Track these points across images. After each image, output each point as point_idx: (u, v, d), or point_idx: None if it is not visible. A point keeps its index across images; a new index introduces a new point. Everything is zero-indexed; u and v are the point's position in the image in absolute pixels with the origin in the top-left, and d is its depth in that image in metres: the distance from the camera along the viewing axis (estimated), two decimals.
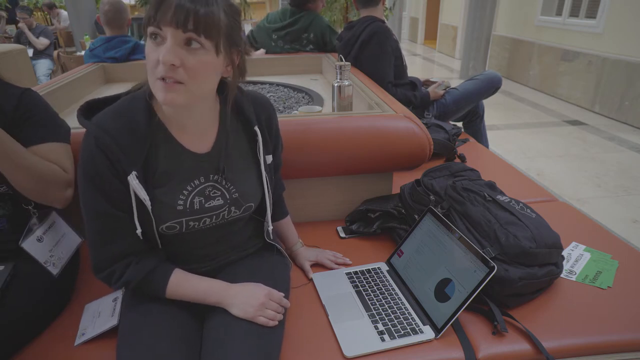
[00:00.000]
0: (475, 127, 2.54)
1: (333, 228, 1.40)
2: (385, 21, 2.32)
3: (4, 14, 6.59)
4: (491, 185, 1.27)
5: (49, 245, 1.02)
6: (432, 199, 1.21)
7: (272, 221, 1.05)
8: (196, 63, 0.73)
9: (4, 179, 0.97)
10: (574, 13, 4.87)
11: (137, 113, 0.81)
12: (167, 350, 0.78)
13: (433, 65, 7.68)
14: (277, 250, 1.07)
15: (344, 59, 1.69)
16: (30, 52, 5.13)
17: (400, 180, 1.40)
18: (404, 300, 1.04)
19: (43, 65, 5.31)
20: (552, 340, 0.92)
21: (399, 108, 1.47)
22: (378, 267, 1.16)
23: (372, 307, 1.02)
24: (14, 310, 0.91)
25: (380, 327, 0.96)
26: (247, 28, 4.99)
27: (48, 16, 8.35)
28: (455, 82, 2.97)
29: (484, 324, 0.98)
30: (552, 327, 0.96)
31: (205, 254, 0.97)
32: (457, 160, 1.92)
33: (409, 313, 0.99)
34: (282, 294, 0.92)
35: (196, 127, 0.87)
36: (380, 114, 1.40)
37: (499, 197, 1.16)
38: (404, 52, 2.33)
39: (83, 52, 4.10)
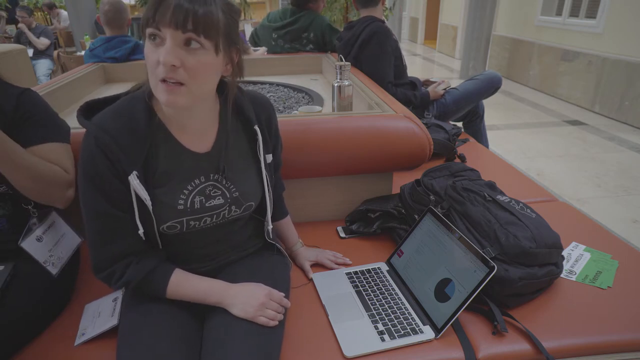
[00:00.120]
0: (475, 127, 2.54)
1: (333, 228, 1.40)
2: (385, 21, 2.32)
3: (4, 14, 6.59)
4: (491, 185, 1.27)
5: (49, 245, 1.02)
6: (432, 199, 1.21)
7: (272, 221, 1.05)
8: (196, 63, 0.73)
9: (4, 179, 0.97)
10: (574, 13, 4.87)
11: (137, 113, 0.81)
12: (167, 350, 0.78)
13: (433, 65, 7.68)
14: (277, 250, 1.07)
15: (344, 59, 1.69)
16: (31, 52, 5.13)
17: (400, 180, 1.40)
18: (404, 300, 1.04)
19: (43, 65, 5.31)
20: (552, 340, 0.92)
21: (399, 108, 1.47)
22: (378, 267, 1.16)
23: (372, 307, 1.02)
24: (14, 310, 0.91)
25: (380, 327, 0.96)
26: (247, 28, 4.98)
27: (48, 16, 8.35)
28: (455, 82, 2.98)
29: (484, 324, 0.98)
30: (552, 327, 0.96)
31: (206, 254, 0.97)
32: (457, 160, 1.92)
33: (409, 313, 0.99)
34: (283, 294, 0.92)
35: (196, 127, 0.87)
36: (380, 114, 1.40)
37: (499, 197, 1.16)
38: (404, 52, 2.34)
39: (83, 52, 4.10)
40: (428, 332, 0.94)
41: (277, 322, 0.86)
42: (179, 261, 0.93)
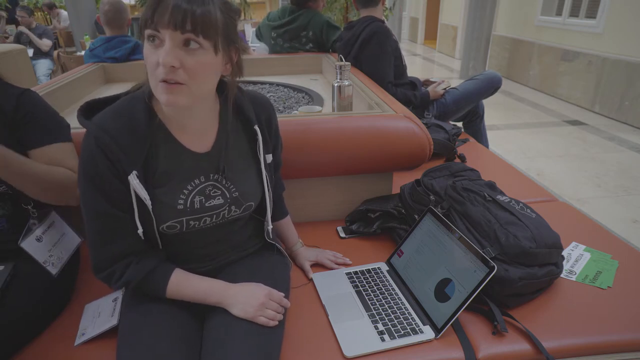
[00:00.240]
0: (475, 127, 2.54)
1: (333, 228, 1.40)
2: (385, 21, 2.32)
3: (4, 14, 6.59)
4: (491, 185, 1.27)
5: (48, 245, 1.02)
6: (432, 199, 1.21)
7: (272, 221, 1.05)
8: (195, 63, 0.73)
9: None
10: (574, 13, 4.87)
11: (137, 113, 0.81)
12: (167, 350, 0.78)
13: (433, 65, 7.68)
14: (277, 250, 1.07)
15: (344, 59, 1.69)
16: (31, 52, 5.13)
17: (400, 180, 1.40)
18: (404, 300, 1.04)
19: (43, 65, 5.31)
20: (552, 340, 0.92)
21: (399, 108, 1.47)
22: (378, 267, 1.16)
23: (372, 307, 1.02)
24: (14, 310, 0.91)
25: (380, 327, 0.96)
26: (247, 28, 4.98)
27: (48, 16, 8.35)
28: (455, 82, 2.97)
29: (484, 324, 0.98)
30: (552, 327, 0.96)
31: (206, 254, 0.97)
32: (457, 160, 1.92)
33: (409, 313, 0.99)
34: (282, 294, 0.92)
35: (196, 127, 0.87)
36: (380, 114, 1.40)
37: (499, 197, 1.16)
38: (403, 52, 2.34)
39: (83, 52, 4.10)
40: (428, 332, 0.94)
41: (277, 322, 0.86)
42: (178, 261, 0.93)
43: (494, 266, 0.91)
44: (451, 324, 0.94)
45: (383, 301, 1.03)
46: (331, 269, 1.18)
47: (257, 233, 1.06)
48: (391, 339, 0.92)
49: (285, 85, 2.34)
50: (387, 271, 1.15)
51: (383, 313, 1.00)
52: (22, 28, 5.29)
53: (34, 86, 1.75)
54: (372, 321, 0.97)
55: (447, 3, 8.46)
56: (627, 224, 2.33)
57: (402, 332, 0.94)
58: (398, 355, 0.90)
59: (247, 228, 1.03)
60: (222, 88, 0.90)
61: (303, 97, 2.12)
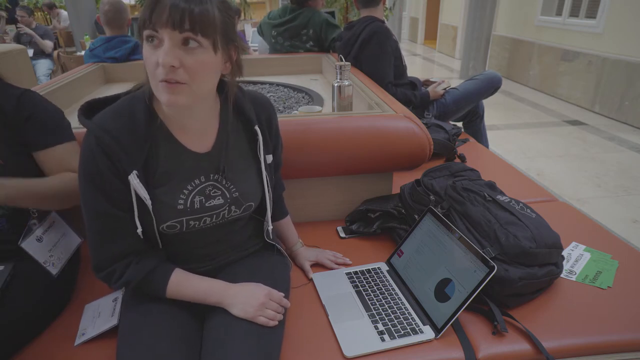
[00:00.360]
0: (475, 127, 2.54)
1: (333, 228, 1.40)
2: (385, 21, 2.32)
3: (4, 14, 6.59)
4: (491, 185, 1.27)
5: (49, 245, 1.02)
6: (432, 199, 1.21)
7: (272, 221, 1.05)
8: (195, 62, 0.73)
9: None
10: (574, 13, 4.87)
11: (138, 113, 0.81)
12: (167, 350, 0.78)
13: (433, 65, 7.68)
14: (277, 250, 1.07)
15: (344, 59, 1.69)
16: (31, 52, 5.13)
17: (400, 180, 1.40)
18: (404, 300, 1.04)
19: (43, 65, 5.30)
20: (552, 340, 0.92)
21: (399, 108, 1.47)
22: (378, 267, 1.16)
23: (372, 307, 1.02)
24: (14, 310, 0.91)
25: (380, 327, 0.96)
26: (248, 28, 4.98)
27: (48, 16, 8.35)
28: (455, 82, 2.97)
29: (484, 324, 0.98)
30: (552, 327, 0.96)
31: (206, 254, 0.97)
32: (457, 160, 1.92)
33: (409, 313, 0.99)
34: (282, 294, 0.92)
35: (197, 127, 0.87)
36: (380, 114, 1.40)
37: (499, 197, 1.16)
38: (403, 52, 2.34)
39: (83, 52, 4.10)
40: (428, 332, 0.94)
41: (276, 322, 0.86)
42: (179, 261, 0.93)
43: (494, 266, 0.91)
44: (451, 324, 0.94)
45: (383, 301, 1.03)
46: (331, 269, 1.18)
47: (257, 233, 1.06)
48: (391, 339, 0.92)
49: (285, 85, 2.34)
50: (387, 271, 1.15)
51: (383, 313, 1.00)
52: (25, 29, 5.28)
53: (34, 86, 1.75)
54: (372, 321, 0.97)
55: (447, 3, 8.46)
56: (627, 224, 2.33)
57: (402, 332, 0.94)
58: (398, 355, 0.90)
59: (247, 228, 1.03)
60: (222, 88, 0.90)
61: (303, 97, 2.12)
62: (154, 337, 0.80)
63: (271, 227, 1.04)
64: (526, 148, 3.46)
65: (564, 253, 1.19)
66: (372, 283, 1.10)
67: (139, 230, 0.83)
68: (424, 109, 2.32)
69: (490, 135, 2.73)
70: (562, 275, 1.12)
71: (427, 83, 2.45)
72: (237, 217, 0.95)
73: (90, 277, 1.14)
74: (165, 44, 0.71)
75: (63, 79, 1.90)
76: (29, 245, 0.98)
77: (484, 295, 1.00)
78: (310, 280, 1.14)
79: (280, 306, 0.90)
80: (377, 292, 1.07)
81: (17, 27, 5.39)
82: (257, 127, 0.93)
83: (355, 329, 0.96)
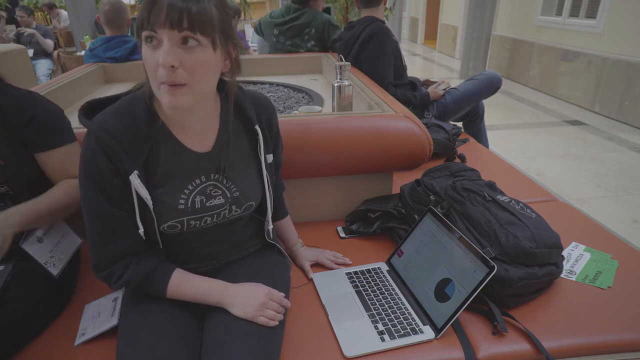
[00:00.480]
0: (475, 127, 2.54)
1: (333, 228, 1.40)
2: (385, 21, 2.32)
3: (4, 14, 6.59)
4: (491, 185, 1.27)
5: (50, 246, 1.02)
6: (432, 199, 1.21)
7: (272, 221, 1.05)
8: (195, 61, 0.73)
9: (5, 179, 0.97)
10: (574, 13, 4.87)
11: (138, 113, 0.81)
12: (167, 350, 0.78)
13: (433, 65, 7.68)
14: (277, 250, 1.07)
15: (344, 59, 1.69)
16: (31, 52, 5.12)
17: (400, 180, 1.40)
18: (404, 300, 1.04)
19: (43, 65, 5.30)
20: (552, 340, 0.92)
21: (399, 108, 1.47)
22: (378, 267, 1.16)
23: (372, 307, 1.02)
24: (14, 310, 0.91)
25: (380, 327, 0.96)
26: (248, 28, 4.97)
27: (48, 16, 8.35)
28: (455, 82, 2.98)
29: (484, 324, 0.98)
30: (552, 327, 0.96)
31: (206, 253, 0.97)
32: (457, 160, 1.92)
33: (409, 313, 0.99)
34: (283, 294, 0.92)
35: (197, 127, 0.87)
36: (380, 114, 1.40)
37: (499, 197, 1.16)
38: (403, 52, 2.34)
39: (83, 52, 4.10)
40: (428, 332, 0.94)
41: (277, 322, 0.86)
42: (179, 261, 0.93)
43: (494, 266, 0.91)
44: (451, 324, 0.94)
45: (383, 301, 1.03)
46: (331, 269, 1.18)
47: (257, 233, 1.06)
48: (391, 339, 0.93)
49: (285, 85, 2.34)
50: (387, 271, 1.15)
51: (383, 313, 1.00)
52: (28, 30, 5.28)
53: (34, 86, 1.75)
54: (372, 321, 0.97)
55: (447, 3, 8.46)
56: (627, 224, 2.33)
57: (402, 332, 0.94)
58: (398, 355, 0.90)
59: (247, 228, 1.03)
60: (222, 88, 0.90)
61: (303, 97, 2.12)
62: (154, 337, 0.80)
63: (271, 226, 1.04)
64: (526, 148, 3.46)
65: (564, 253, 1.19)
66: (372, 283, 1.10)
67: (141, 230, 0.83)
68: (424, 109, 2.32)
69: (490, 135, 2.73)
70: (562, 275, 1.12)
71: (427, 83, 2.45)
72: (237, 217, 0.95)
73: (90, 277, 1.14)
74: (165, 44, 0.71)
75: (63, 79, 1.90)
76: (30, 246, 0.98)
77: (484, 295, 1.00)
78: (310, 280, 1.14)
79: (281, 306, 0.90)
80: (377, 292, 1.07)
81: (17, 29, 5.40)
82: (257, 127, 0.93)
83: (355, 329, 0.96)
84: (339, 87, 1.57)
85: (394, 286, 1.09)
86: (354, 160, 1.33)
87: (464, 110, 2.43)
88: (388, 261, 1.19)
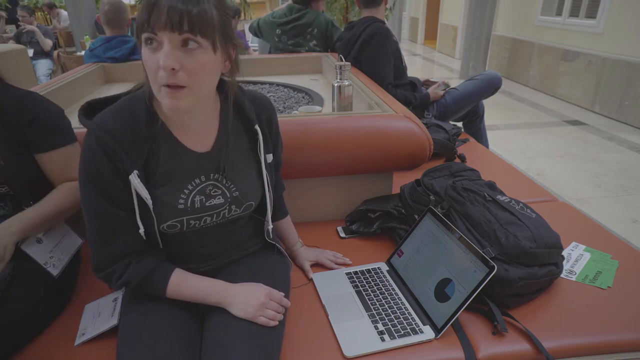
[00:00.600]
0: (475, 127, 2.54)
1: (333, 228, 1.40)
2: (385, 22, 2.32)
3: (3, 13, 6.59)
4: (491, 185, 1.27)
5: (49, 247, 1.02)
6: (432, 199, 1.21)
7: (272, 221, 1.05)
8: (195, 64, 0.73)
9: (5, 180, 0.97)
10: (574, 13, 4.87)
11: (138, 113, 0.81)
12: (167, 350, 0.78)
13: (433, 65, 7.68)
14: (277, 250, 1.07)
15: (344, 59, 1.69)
16: (31, 52, 5.12)
17: (400, 180, 1.40)
18: (404, 300, 1.04)
19: (43, 65, 5.30)
20: (552, 340, 0.92)
21: (399, 108, 1.47)
22: (378, 267, 1.16)
23: (372, 307, 1.02)
24: (14, 310, 0.91)
25: (380, 327, 0.96)
26: (247, 27, 4.97)
27: (48, 16, 8.35)
28: (455, 82, 2.98)
29: (484, 324, 0.98)
30: (552, 327, 0.96)
31: (206, 253, 0.97)
32: (457, 160, 1.92)
33: (409, 313, 0.99)
34: (282, 294, 0.92)
35: (197, 127, 0.87)
36: (380, 114, 1.40)
37: (499, 197, 1.16)
38: (403, 52, 2.34)
39: (83, 52, 4.10)
40: (428, 332, 0.94)
41: (277, 322, 0.86)
42: (179, 261, 0.93)
43: (494, 266, 0.91)
44: (451, 324, 0.94)
45: (383, 301, 1.03)
46: (331, 269, 1.18)
47: (257, 233, 1.06)
48: (391, 339, 0.92)
49: (285, 85, 2.34)
50: (387, 271, 1.15)
51: (383, 313, 1.00)
52: (28, 26, 5.28)
53: (34, 86, 1.75)
54: (372, 321, 0.97)
55: (447, 3, 8.46)
56: (627, 224, 2.33)
57: (402, 332, 0.94)
58: (398, 355, 0.90)
59: (247, 228, 1.03)
60: (221, 88, 0.90)
61: (303, 97, 2.12)
62: (154, 337, 0.80)
63: (271, 226, 1.04)
64: (526, 148, 3.46)
65: (564, 253, 1.19)
66: (372, 283, 1.10)
67: (141, 230, 0.83)
68: (424, 109, 2.32)
69: (490, 135, 2.73)
70: (562, 275, 1.12)
71: (427, 83, 2.45)
72: (237, 217, 0.95)
73: (90, 277, 1.14)
74: (165, 47, 0.71)
75: (63, 79, 1.90)
76: (29, 247, 0.98)
77: (484, 295, 1.00)
78: (310, 280, 1.14)
79: (281, 306, 0.90)
80: (377, 292, 1.07)
81: (17, 26, 5.40)
82: (257, 127, 0.93)
83: (355, 329, 0.96)
84: (339, 87, 1.57)
85: (394, 286, 1.09)
86: (354, 160, 1.33)
87: (464, 110, 2.43)
88: (388, 261, 1.19)
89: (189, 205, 0.86)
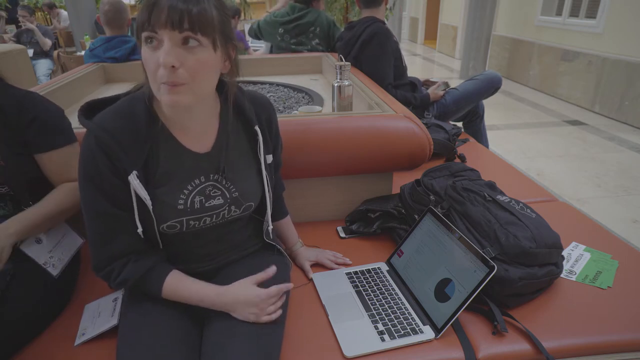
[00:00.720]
0: (475, 127, 2.54)
1: (333, 228, 1.40)
2: (385, 22, 2.32)
3: (3, 13, 6.59)
4: (491, 185, 1.27)
5: (49, 247, 1.02)
6: (432, 199, 1.21)
7: (272, 221, 1.05)
8: (195, 62, 0.73)
9: (5, 180, 0.97)
10: (574, 13, 4.87)
11: (138, 113, 0.81)
12: (167, 350, 0.78)
13: (433, 65, 7.68)
14: (277, 250, 1.07)
15: (344, 59, 1.69)
16: (31, 52, 5.13)
17: (400, 180, 1.40)
18: (404, 300, 1.04)
19: (43, 65, 5.30)
20: (552, 340, 0.92)
21: (399, 108, 1.47)
22: (378, 267, 1.16)
23: (372, 307, 1.02)
24: (14, 310, 0.91)
25: (380, 327, 0.96)
26: (247, 28, 4.97)
27: (48, 16, 8.35)
28: (455, 82, 2.98)
29: (484, 324, 0.98)
30: (552, 327, 0.96)
31: (206, 253, 0.97)
32: (457, 160, 1.92)
33: (409, 313, 0.99)
34: (276, 287, 0.89)
35: (197, 127, 0.87)
36: (380, 114, 1.40)
37: (499, 197, 1.16)
38: (403, 52, 2.34)
39: (83, 52, 4.10)
40: (428, 332, 0.94)
41: (279, 313, 0.87)
42: (179, 261, 0.93)
43: (494, 266, 0.91)
44: (451, 324, 0.94)
45: (383, 301, 1.03)
46: (331, 269, 1.18)
47: (257, 233, 1.06)
48: (391, 339, 0.92)
49: (285, 85, 2.34)
50: (387, 271, 1.15)
51: (383, 313, 1.00)
52: (28, 24, 5.28)
53: (34, 86, 1.75)
54: (372, 321, 0.97)
55: (447, 3, 8.46)
56: (627, 224, 2.33)
57: (402, 332, 0.94)
58: (398, 355, 0.90)
59: (247, 228, 1.03)
60: (221, 88, 0.90)
61: (303, 97, 2.12)
62: (154, 337, 0.80)
63: (271, 227, 1.04)
64: (526, 148, 3.46)
65: (564, 253, 1.19)
66: (372, 283, 1.10)
67: (139, 230, 0.83)
68: (424, 109, 2.32)
69: (490, 135, 2.73)
70: (562, 275, 1.12)
71: (427, 83, 2.45)
72: (237, 217, 0.95)
73: (90, 277, 1.14)
74: (165, 44, 0.71)
75: (63, 79, 1.90)
76: (28, 247, 0.98)
77: (484, 295, 1.00)
78: (310, 280, 1.14)
79: (278, 298, 0.89)
80: (377, 292, 1.07)
81: (17, 26, 5.40)
82: (257, 127, 0.93)
83: (355, 329, 0.96)
84: (339, 87, 1.57)
85: (394, 286, 1.09)
86: (354, 160, 1.33)
87: (464, 110, 2.43)
88: (388, 261, 1.19)
89: (188, 205, 0.86)
